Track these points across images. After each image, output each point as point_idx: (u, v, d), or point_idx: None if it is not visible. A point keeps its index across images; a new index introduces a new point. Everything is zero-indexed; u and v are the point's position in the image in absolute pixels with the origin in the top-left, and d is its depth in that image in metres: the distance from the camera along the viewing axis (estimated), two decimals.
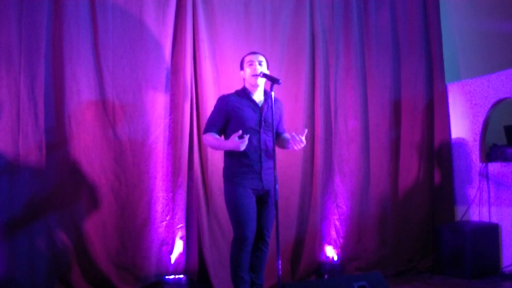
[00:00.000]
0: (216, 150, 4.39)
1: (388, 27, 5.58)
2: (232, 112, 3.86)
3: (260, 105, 3.92)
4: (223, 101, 3.93)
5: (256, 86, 3.91)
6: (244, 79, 4.00)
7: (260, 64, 3.91)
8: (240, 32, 5.01)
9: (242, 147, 3.65)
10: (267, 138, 3.88)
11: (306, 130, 3.90)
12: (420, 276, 5.20)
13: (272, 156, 3.76)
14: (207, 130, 3.92)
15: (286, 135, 4.11)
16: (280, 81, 3.70)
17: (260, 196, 3.91)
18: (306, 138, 3.70)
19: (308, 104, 5.20)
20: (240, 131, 3.66)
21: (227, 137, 3.89)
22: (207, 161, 4.72)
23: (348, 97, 5.37)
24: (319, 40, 5.26)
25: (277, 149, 3.89)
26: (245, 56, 4.02)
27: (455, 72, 5.89)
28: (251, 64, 3.91)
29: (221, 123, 3.90)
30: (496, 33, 6.16)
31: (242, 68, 4.01)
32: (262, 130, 3.88)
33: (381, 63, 5.52)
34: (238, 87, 4.04)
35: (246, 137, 3.65)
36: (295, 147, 3.84)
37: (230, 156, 3.86)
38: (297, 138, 3.78)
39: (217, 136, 3.89)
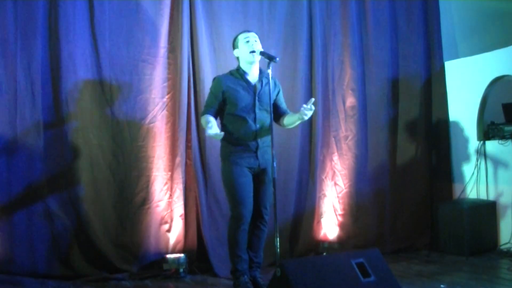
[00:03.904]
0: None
1: (386, 4, 5.52)
2: (227, 93, 3.84)
3: (253, 84, 3.89)
4: (218, 83, 3.90)
5: (252, 63, 3.88)
6: (238, 58, 3.96)
7: (256, 41, 3.88)
8: (237, 10, 4.97)
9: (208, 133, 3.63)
10: (263, 116, 3.87)
11: (312, 99, 3.84)
12: (418, 254, 5.22)
13: (269, 134, 3.77)
14: (204, 112, 3.91)
15: (291, 114, 4.07)
16: (277, 59, 3.68)
17: (256, 174, 3.92)
18: None
19: (306, 82, 5.19)
20: (222, 133, 3.65)
21: (223, 118, 3.91)
22: (205, 139, 4.72)
23: (346, 75, 5.34)
24: (316, 18, 5.22)
25: (275, 127, 3.88)
26: (239, 34, 3.98)
27: (453, 50, 5.85)
28: (247, 41, 3.87)
29: (217, 105, 3.88)
30: (494, 11, 6.12)
31: (236, 46, 3.96)
32: (257, 110, 3.86)
33: (379, 41, 5.48)
34: (235, 65, 4.01)
35: (221, 134, 3.64)
36: (305, 117, 3.79)
37: (226, 135, 3.81)
38: (308, 107, 3.75)
39: (208, 119, 3.76)
